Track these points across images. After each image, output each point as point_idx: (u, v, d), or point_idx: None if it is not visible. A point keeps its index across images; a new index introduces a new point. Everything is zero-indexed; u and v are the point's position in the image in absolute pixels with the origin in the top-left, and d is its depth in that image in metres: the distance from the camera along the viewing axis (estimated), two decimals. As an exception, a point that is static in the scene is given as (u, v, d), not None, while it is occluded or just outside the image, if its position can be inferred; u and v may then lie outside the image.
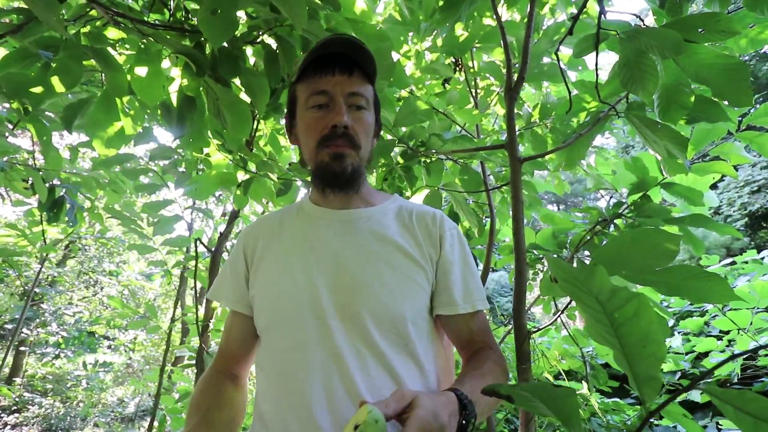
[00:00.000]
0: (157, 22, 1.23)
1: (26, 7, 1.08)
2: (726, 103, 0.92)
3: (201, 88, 1.27)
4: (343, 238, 0.78)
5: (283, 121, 1.90)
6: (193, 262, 2.31)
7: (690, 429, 1.51)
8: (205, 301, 2.16)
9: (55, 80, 1.15)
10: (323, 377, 0.66)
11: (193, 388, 0.87)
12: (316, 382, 0.66)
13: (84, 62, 1.17)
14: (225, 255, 2.00)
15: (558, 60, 0.98)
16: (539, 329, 0.92)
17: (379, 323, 0.70)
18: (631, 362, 0.34)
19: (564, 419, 0.34)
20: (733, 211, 10.29)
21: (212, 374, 0.83)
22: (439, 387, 0.74)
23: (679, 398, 2.32)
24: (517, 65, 1.47)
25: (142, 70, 1.19)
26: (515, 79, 1.13)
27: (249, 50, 1.40)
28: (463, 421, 0.58)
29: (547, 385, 0.34)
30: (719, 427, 2.36)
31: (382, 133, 1.52)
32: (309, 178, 1.66)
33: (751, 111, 1.27)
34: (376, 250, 0.76)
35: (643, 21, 0.88)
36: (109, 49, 1.22)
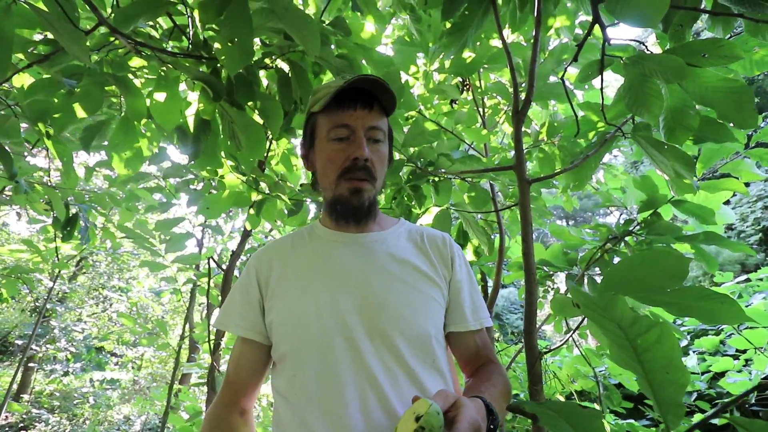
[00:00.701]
0: (175, 49, 1.28)
1: (53, 37, 1.14)
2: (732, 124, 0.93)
3: (216, 112, 1.31)
4: (363, 260, 0.79)
5: (294, 141, 1.94)
6: (203, 279, 2.34)
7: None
8: (217, 332, 2.16)
9: (77, 106, 1.20)
10: (359, 398, 0.67)
11: (203, 421, 0.84)
12: (353, 403, 0.67)
13: (105, 88, 1.22)
14: (237, 272, 2.02)
15: (564, 84, 1.00)
16: (551, 350, 0.92)
17: (409, 342, 0.72)
18: (656, 388, 0.34)
19: None
20: (747, 227, 10.13)
21: (221, 410, 0.81)
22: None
23: (697, 420, 2.26)
24: (524, 84, 1.50)
25: (160, 96, 1.24)
26: (522, 99, 1.16)
27: (262, 74, 1.45)
28: (491, 426, 0.61)
29: (573, 405, 0.34)
30: (739, 450, 2.28)
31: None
32: (320, 199, 1.70)
33: (762, 126, 1.28)
34: (395, 271, 0.78)
35: (646, 46, 0.90)
36: (130, 75, 1.27)
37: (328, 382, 0.69)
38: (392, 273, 0.77)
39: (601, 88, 0.92)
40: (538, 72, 1.48)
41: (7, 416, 7.18)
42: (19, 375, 7.71)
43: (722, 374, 2.50)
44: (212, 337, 1.98)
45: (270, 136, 1.55)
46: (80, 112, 1.22)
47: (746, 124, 0.84)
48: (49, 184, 2.08)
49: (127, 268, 9.32)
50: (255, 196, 1.53)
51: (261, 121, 1.34)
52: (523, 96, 1.19)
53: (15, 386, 7.89)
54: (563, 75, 1.01)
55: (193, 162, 1.43)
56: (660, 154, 0.97)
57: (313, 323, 0.73)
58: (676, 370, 0.34)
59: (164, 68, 1.21)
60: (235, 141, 1.27)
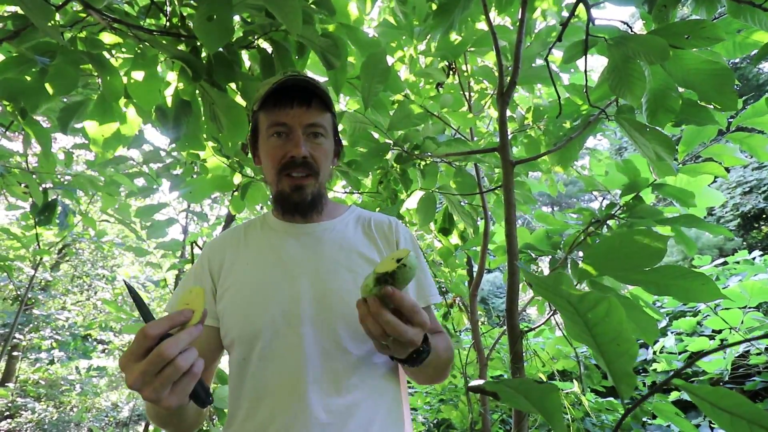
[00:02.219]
0: (153, 27, 1.23)
1: (22, 13, 1.08)
2: (713, 106, 0.94)
3: (197, 92, 1.27)
4: (310, 250, 0.83)
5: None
6: (188, 266, 2.31)
7: (683, 427, 1.53)
8: None
9: (51, 84, 1.15)
10: (297, 381, 0.71)
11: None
12: (291, 386, 0.70)
13: (81, 66, 1.18)
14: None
15: (548, 66, 1.00)
16: (532, 329, 0.94)
17: (350, 327, 0.75)
18: (608, 360, 0.36)
19: (546, 415, 0.35)
20: (726, 212, 10.40)
21: None
22: (399, 378, 0.80)
23: (673, 398, 2.34)
24: (510, 68, 1.49)
25: (138, 75, 1.20)
26: (507, 82, 1.15)
27: (245, 54, 1.41)
28: (422, 347, 0.66)
29: (529, 381, 0.35)
30: (712, 426, 2.39)
31: (377, 136, 1.54)
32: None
33: (742, 111, 1.29)
34: (341, 260, 0.81)
35: (631, 27, 0.90)
36: (105, 53, 1.22)
37: (271, 366, 0.73)
38: (338, 261, 0.81)
39: (585, 70, 0.92)
40: (524, 55, 1.47)
41: (-9, 405, 7.10)
42: (3, 364, 7.60)
43: (699, 354, 2.59)
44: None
45: (253, 119, 1.52)
46: (55, 91, 1.18)
47: (727, 106, 0.85)
48: (27, 169, 2.01)
49: (111, 255, 9.17)
50: (238, 179, 1.50)
51: (244, 103, 1.31)
52: (508, 79, 1.19)
53: (-1, 375, 7.77)
54: (547, 55, 1.01)
55: (174, 145, 1.40)
56: (642, 136, 0.98)
57: (260, 311, 0.76)
58: (624, 342, 0.35)
59: (141, 46, 1.16)
60: (216, 123, 1.24)
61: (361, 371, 0.74)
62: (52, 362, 8.32)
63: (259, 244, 0.86)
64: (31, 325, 7.66)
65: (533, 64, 1.62)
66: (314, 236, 0.85)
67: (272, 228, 0.88)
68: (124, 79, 1.23)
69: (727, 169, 1.50)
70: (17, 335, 7.25)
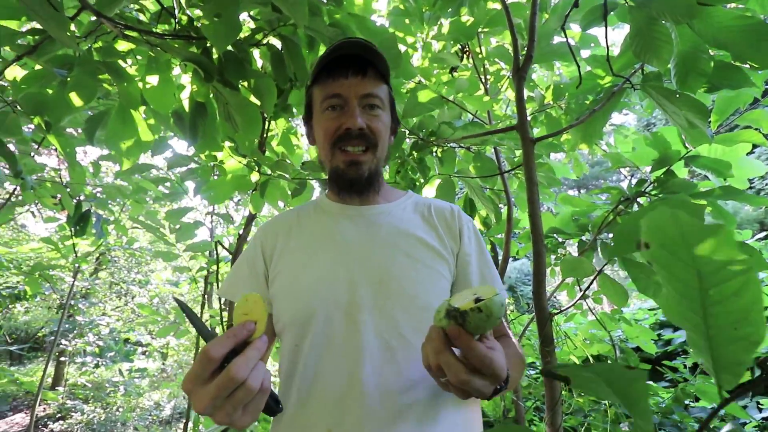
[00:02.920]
0: (164, 31, 1.25)
1: (39, 27, 1.11)
2: (748, 66, 0.88)
3: (211, 94, 1.29)
4: (366, 233, 0.78)
5: (293, 121, 1.91)
6: (214, 266, 2.36)
7: (729, 409, 1.46)
8: (229, 303, 2.20)
9: (72, 96, 1.19)
10: (354, 372, 0.66)
11: None
12: (348, 377, 0.66)
13: (99, 76, 1.21)
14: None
15: (565, 35, 0.95)
16: (561, 311, 0.91)
17: (411, 316, 0.70)
18: (715, 345, 0.30)
19: (630, 405, 0.30)
20: (766, 184, 9.85)
21: None
22: None
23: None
24: (525, 46, 1.44)
25: (153, 80, 1.22)
26: (523, 59, 1.11)
27: (256, 53, 1.41)
28: (498, 387, 0.58)
29: (615, 365, 0.29)
30: (760, 406, 2.27)
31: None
32: (324, 176, 1.68)
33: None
34: (399, 244, 0.76)
35: (654, -13, 0.85)
36: (121, 61, 1.25)
37: (325, 355, 0.69)
38: (396, 246, 0.76)
39: (605, 32, 0.87)
40: (541, 31, 1.41)
41: (45, 408, 7.54)
42: (52, 369, 8.04)
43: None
44: (225, 319, 2.01)
45: (267, 116, 1.53)
46: (76, 101, 1.21)
47: (764, 63, 0.79)
48: (61, 182, 2.09)
49: (145, 261, 9.53)
50: (256, 177, 1.51)
51: (258, 102, 1.31)
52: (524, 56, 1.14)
53: (49, 380, 8.23)
54: (564, 24, 0.96)
55: (193, 148, 1.42)
56: (672, 104, 0.92)
57: (313, 295, 0.72)
58: (749, 326, 0.28)
59: (152, 51, 1.18)
60: (231, 122, 1.24)
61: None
62: (97, 366, 8.75)
63: (312, 226, 0.82)
64: (75, 332, 8.06)
65: (551, 41, 1.56)
66: (369, 219, 0.80)
67: (325, 210, 0.84)
68: (140, 86, 1.26)
69: (767, 137, 1.40)
70: (63, 341, 7.65)
